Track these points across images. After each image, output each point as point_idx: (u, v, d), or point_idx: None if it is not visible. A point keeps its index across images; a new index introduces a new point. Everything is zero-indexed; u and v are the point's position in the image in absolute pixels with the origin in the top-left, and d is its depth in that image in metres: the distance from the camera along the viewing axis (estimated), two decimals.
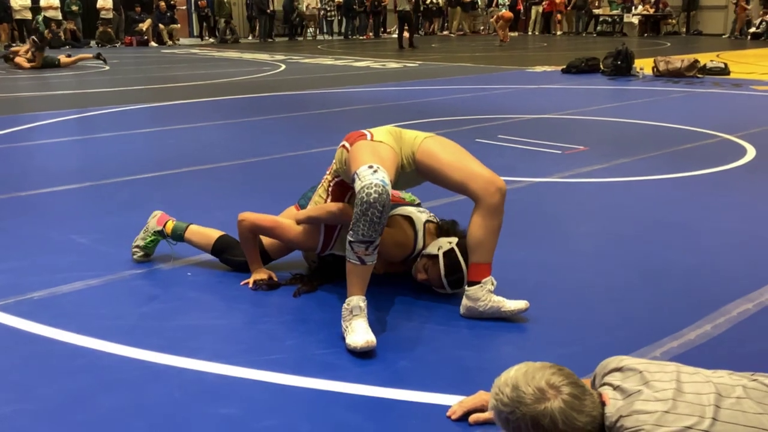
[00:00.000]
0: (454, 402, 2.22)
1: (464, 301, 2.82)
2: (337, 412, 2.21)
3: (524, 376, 1.70)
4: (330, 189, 3.06)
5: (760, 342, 2.63)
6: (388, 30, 25.89)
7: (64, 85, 11.51)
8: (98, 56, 14.19)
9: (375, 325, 2.66)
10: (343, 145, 2.98)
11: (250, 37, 23.95)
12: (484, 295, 2.77)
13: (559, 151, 5.81)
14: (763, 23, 20.52)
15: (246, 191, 4.94)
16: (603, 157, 5.66)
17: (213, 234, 3.40)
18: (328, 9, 24.88)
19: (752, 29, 20.96)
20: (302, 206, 3.27)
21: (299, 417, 2.18)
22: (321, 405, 2.24)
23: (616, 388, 1.71)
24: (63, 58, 14.07)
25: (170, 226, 3.42)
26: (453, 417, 2.14)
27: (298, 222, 3.10)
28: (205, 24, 23.98)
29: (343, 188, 3.04)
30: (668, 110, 8.10)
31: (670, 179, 4.99)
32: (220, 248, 3.35)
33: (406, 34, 18.87)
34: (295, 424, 2.15)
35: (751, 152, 5.76)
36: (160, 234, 3.44)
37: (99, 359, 2.54)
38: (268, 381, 2.38)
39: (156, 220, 3.47)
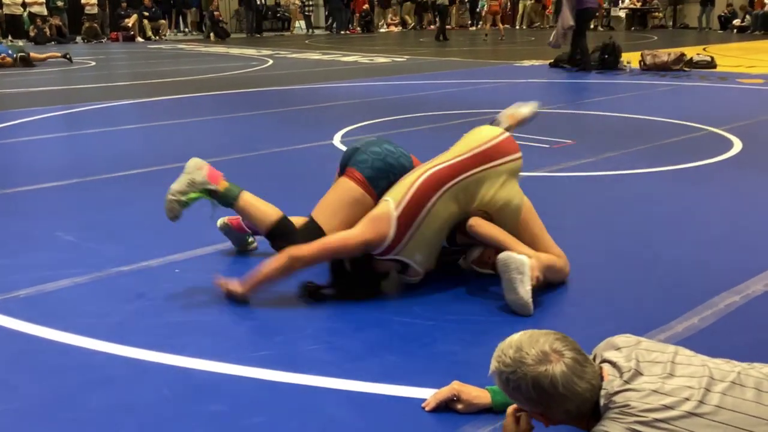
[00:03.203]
0: None
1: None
2: (326, 407, 2.20)
3: (529, 339, 1.73)
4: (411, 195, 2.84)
5: (747, 334, 2.65)
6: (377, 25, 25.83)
7: (49, 81, 11.43)
8: (65, 56, 14.19)
9: (364, 320, 2.65)
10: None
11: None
12: None
13: (547, 146, 5.81)
14: (748, 16, 20.62)
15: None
16: (591, 150, 5.67)
17: (271, 213, 3.08)
18: (307, 3, 24.83)
19: (736, 21, 21.06)
20: (366, 175, 3.01)
21: (288, 413, 2.17)
22: (310, 401, 2.24)
23: (613, 365, 1.74)
24: (32, 54, 14.02)
25: (223, 185, 3.04)
26: (427, 408, 2.15)
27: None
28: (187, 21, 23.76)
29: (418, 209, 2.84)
30: (655, 104, 8.13)
31: (658, 172, 5.00)
32: (279, 233, 3.04)
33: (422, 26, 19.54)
34: (284, 420, 2.14)
35: (737, 145, 5.79)
36: (209, 193, 3.02)
37: (86, 357, 2.52)
38: (257, 377, 2.37)
39: (205, 173, 3.02)
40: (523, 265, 2.73)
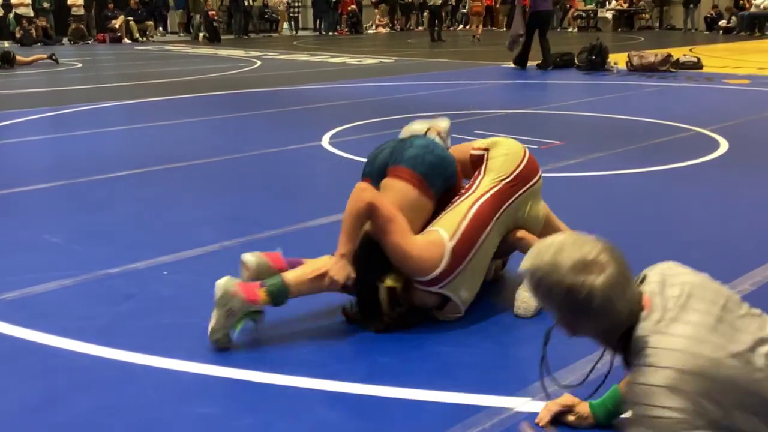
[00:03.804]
0: (435, 397, 2.22)
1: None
2: (316, 409, 2.20)
3: (572, 243, 1.57)
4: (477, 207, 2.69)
5: None
6: (364, 26, 25.83)
7: (36, 83, 11.36)
8: (51, 57, 14.12)
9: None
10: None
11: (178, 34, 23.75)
12: None
13: (536, 146, 5.82)
14: (734, 17, 20.76)
15: (224, 188, 4.90)
16: (578, 151, 5.69)
17: (323, 264, 2.56)
18: (293, 4, 24.82)
19: (722, 22, 21.20)
20: (420, 171, 2.67)
21: (278, 415, 2.17)
22: (300, 402, 2.23)
23: (659, 296, 1.60)
24: (18, 57, 13.93)
25: (263, 295, 2.50)
26: (541, 423, 2.01)
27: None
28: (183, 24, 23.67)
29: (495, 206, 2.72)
30: (642, 104, 8.17)
31: (645, 173, 5.03)
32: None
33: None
34: (273, 422, 2.13)
35: (724, 145, 5.83)
36: (256, 313, 2.53)
37: (73, 360, 2.51)
38: (246, 379, 2.36)
39: (241, 296, 2.46)
40: None
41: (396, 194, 2.64)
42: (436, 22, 19.96)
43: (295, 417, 2.15)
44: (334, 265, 2.53)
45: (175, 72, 12.44)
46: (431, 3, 19.61)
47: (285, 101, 8.90)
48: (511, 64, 12.37)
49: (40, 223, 4.08)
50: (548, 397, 1.90)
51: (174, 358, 2.49)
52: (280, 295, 2.51)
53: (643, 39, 19.15)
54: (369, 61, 14.41)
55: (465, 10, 25.96)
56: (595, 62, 11.45)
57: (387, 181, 2.70)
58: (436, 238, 2.60)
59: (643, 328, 1.56)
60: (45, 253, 3.56)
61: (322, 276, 2.52)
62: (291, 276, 2.54)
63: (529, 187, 2.86)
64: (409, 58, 14.85)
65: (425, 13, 25.63)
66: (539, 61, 12.07)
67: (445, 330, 2.70)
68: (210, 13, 21.55)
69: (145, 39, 21.91)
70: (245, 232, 3.83)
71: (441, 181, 2.73)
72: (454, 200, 2.77)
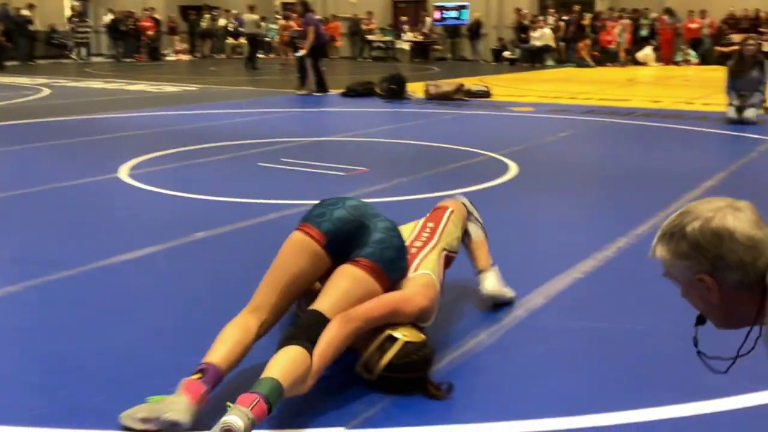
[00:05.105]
0: None
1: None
2: None
3: (700, 203, 1.49)
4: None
5: (532, 346, 2.85)
6: (163, 53, 25.03)
7: None
8: None
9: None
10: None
11: None
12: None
13: (342, 173, 5.92)
14: (517, 50, 22.54)
15: (11, 227, 4.50)
16: (383, 177, 5.86)
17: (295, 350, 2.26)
18: (80, 30, 23.51)
19: (507, 53, 22.93)
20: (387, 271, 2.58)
21: None
22: None
23: None
24: None
25: (264, 396, 2.08)
26: None
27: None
28: None
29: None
30: (439, 131, 8.60)
31: (445, 196, 5.26)
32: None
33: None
34: None
35: (513, 169, 6.27)
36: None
37: None
38: None
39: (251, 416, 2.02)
40: None
41: (360, 288, 2.50)
42: (252, 51, 19.73)
43: None
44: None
45: None
46: (248, 31, 19.31)
47: (78, 131, 8.37)
48: (314, 92, 12.55)
49: None
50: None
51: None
52: (276, 393, 2.13)
53: (437, 69, 20.22)
54: (170, 88, 13.98)
55: (269, 39, 26.00)
56: (395, 91, 11.91)
57: (353, 272, 2.53)
58: (431, 281, 2.70)
59: None
60: None
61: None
62: (283, 371, 2.18)
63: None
64: (212, 85, 14.59)
65: (238, 39, 25.37)
66: (344, 90, 12.43)
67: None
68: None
69: None
70: (36, 275, 3.53)
71: (400, 277, 2.68)
72: (418, 244, 2.89)
